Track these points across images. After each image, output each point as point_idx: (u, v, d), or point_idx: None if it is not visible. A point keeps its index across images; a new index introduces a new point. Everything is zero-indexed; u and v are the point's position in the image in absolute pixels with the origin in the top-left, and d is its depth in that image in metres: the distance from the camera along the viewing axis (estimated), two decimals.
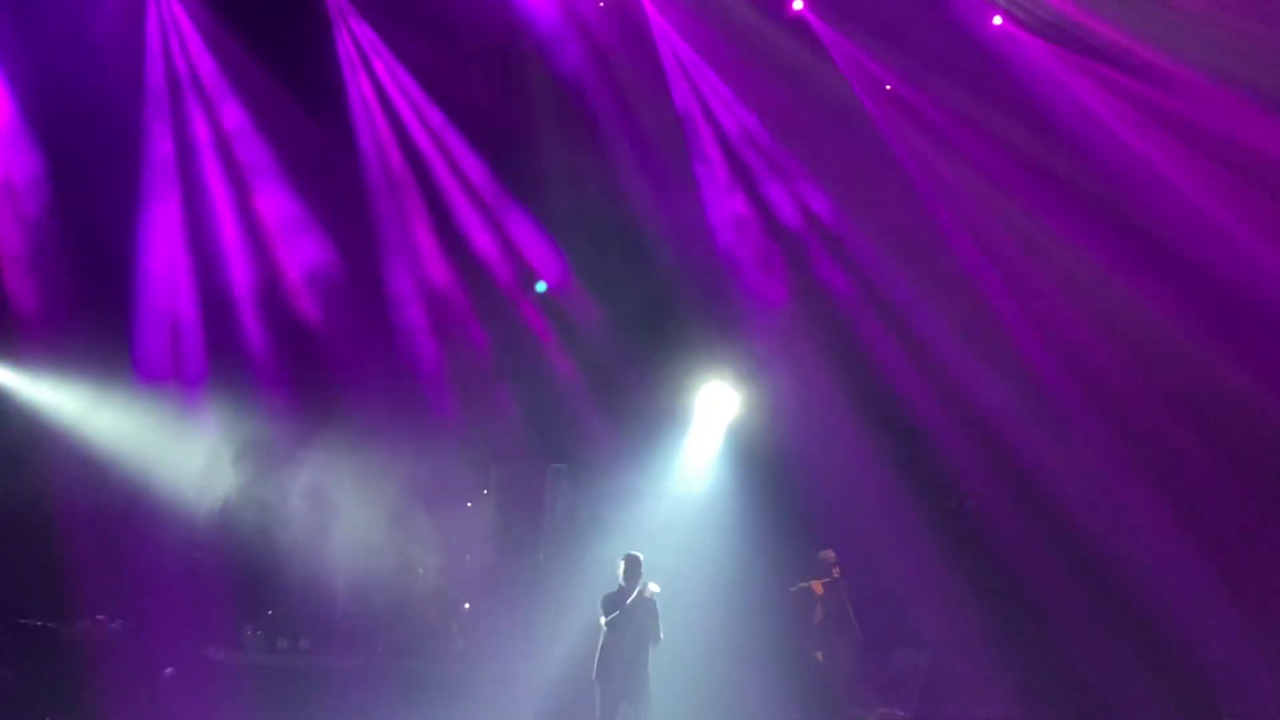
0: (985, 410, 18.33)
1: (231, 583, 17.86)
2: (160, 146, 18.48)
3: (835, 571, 16.83)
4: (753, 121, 19.17)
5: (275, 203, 18.85)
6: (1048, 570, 17.81)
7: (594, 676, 14.65)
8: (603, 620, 14.52)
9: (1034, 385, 18.25)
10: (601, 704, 14.63)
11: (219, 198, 18.81)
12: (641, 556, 14.68)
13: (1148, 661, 17.06)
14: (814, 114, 19.06)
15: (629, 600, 14.45)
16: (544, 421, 19.04)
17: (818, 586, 16.92)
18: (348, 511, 18.57)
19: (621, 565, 14.67)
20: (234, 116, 18.79)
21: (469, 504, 19.11)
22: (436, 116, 19.23)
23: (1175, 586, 17.13)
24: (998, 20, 18.62)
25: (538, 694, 16.53)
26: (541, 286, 18.92)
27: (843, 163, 19.24)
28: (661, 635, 14.56)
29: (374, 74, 19.07)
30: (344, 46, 18.92)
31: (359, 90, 19.01)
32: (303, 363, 18.88)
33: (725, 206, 19.28)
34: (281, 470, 18.30)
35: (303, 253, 18.95)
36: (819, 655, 16.72)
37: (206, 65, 18.59)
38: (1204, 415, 17.33)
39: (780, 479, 18.52)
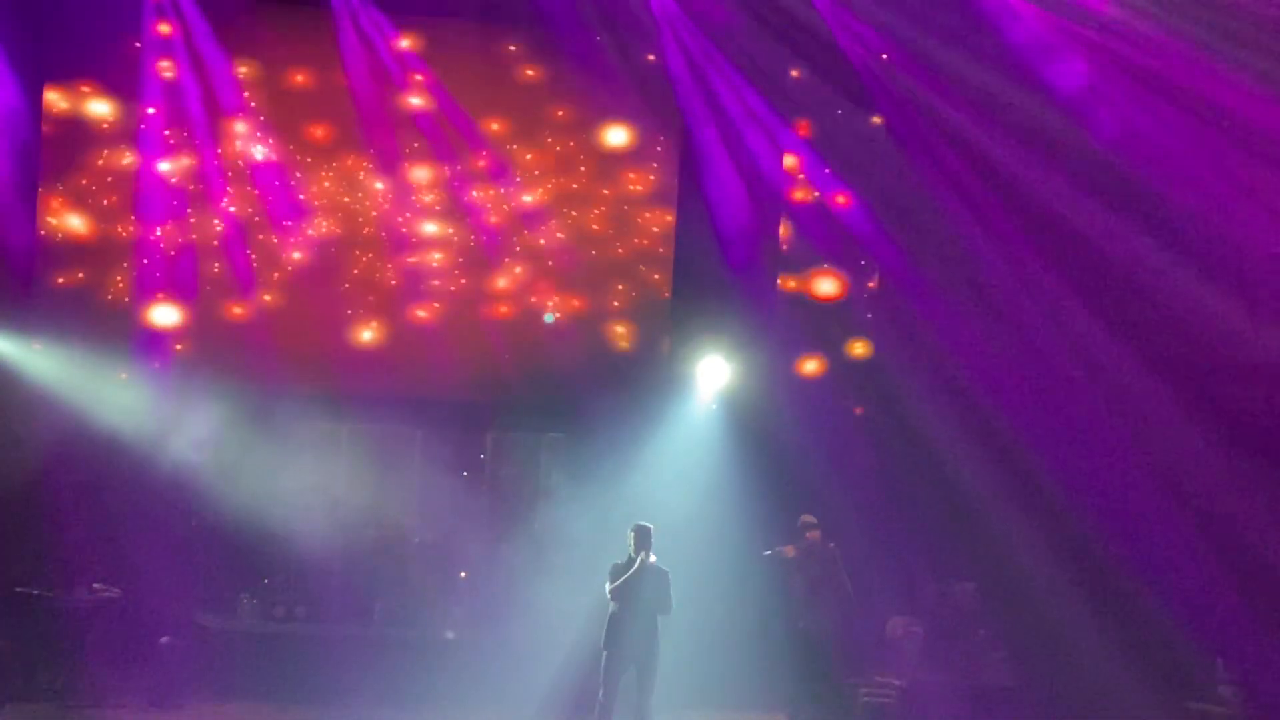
0: (979, 386, 18.38)
1: (227, 550, 17.74)
2: None
3: (811, 535, 16.83)
4: (752, 91, 19.08)
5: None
6: (1042, 541, 17.94)
7: (602, 644, 14.78)
8: (608, 588, 14.63)
9: (1028, 364, 18.29)
10: (606, 670, 14.74)
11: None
12: (652, 527, 14.75)
13: (1142, 634, 17.28)
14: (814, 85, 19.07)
15: (633, 571, 14.55)
16: (541, 390, 18.97)
17: (789, 551, 16.95)
18: (342, 479, 18.51)
19: (632, 535, 14.75)
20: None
21: (465, 472, 19.10)
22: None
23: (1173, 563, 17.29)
24: None
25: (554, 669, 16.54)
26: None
27: (841, 135, 19.28)
28: (673, 606, 14.67)
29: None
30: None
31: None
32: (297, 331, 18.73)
33: (724, 176, 19.20)
34: (274, 436, 18.17)
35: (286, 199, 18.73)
36: (799, 622, 16.78)
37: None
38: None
39: (777, 450, 18.52)
